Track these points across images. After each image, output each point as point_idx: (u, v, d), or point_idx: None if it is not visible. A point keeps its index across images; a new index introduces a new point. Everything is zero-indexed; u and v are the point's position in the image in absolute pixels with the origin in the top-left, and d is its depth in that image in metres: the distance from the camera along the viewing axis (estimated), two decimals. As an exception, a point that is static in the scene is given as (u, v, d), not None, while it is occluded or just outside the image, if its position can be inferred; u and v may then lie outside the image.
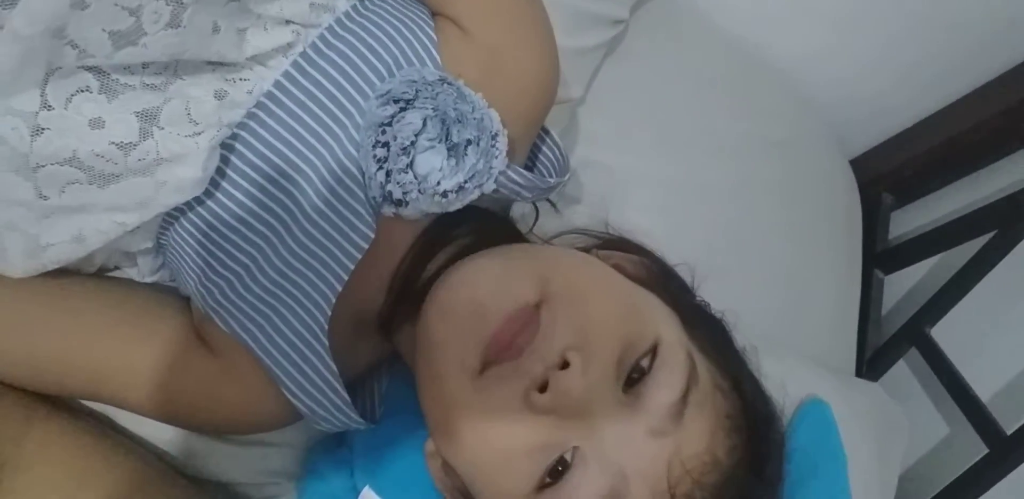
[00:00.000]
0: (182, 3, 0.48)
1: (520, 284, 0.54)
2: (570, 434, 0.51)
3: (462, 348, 0.53)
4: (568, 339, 0.52)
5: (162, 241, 0.58)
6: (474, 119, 0.52)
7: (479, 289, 0.55)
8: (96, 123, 0.50)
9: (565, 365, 0.50)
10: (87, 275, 0.59)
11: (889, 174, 1.16)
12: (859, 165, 1.14)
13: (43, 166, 0.49)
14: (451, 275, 0.56)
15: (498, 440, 0.52)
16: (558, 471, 0.51)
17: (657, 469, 0.51)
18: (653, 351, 0.53)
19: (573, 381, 0.50)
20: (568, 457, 0.51)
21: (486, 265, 0.57)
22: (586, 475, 0.51)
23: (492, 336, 0.52)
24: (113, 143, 0.50)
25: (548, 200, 0.72)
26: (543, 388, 0.50)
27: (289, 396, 0.55)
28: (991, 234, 0.95)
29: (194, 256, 0.56)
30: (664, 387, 0.52)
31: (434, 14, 0.60)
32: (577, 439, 0.51)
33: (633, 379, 0.53)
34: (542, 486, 0.52)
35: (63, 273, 0.57)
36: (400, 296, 0.59)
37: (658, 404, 0.52)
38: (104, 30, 0.47)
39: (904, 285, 1.12)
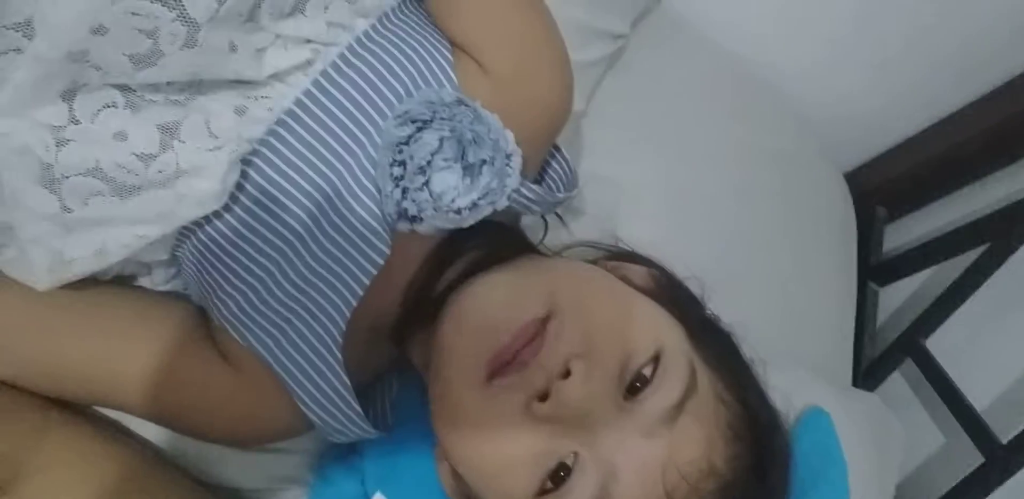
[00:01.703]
0: (196, 24, 0.49)
1: (530, 299, 0.55)
2: (570, 441, 0.52)
3: (471, 358, 0.54)
4: (573, 348, 0.53)
5: (177, 253, 0.59)
6: (490, 140, 0.53)
7: (492, 304, 0.56)
8: (120, 136, 0.51)
9: (567, 374, 0.51)
10: (104, 283, 0.60)
11: (883, 188, 1.17)
12: (853, 179, 1.15)
13: (67, 177, 0.50)
14: (466, 290, 0.57)
15: (499, 448, 0.53)
16: (560, 477, 0.52)
17: (650, 470, 0.52)
18: (655, 360, 0.54)
19: (574, 390, 0.51)
20: (569, 463, 0.52)
21: (499, 280, 0.58)
22: (584, 479, 0.52)
23: (499, 349, 0.53)
24: (135, 154, 0.51)
25: (556, 213, 0.73)
26: (545, 397, 0.51)
27: (304, 409, 0.56)
28: (984, 247, 0.96)
29: (210, 269, 0.57)
30: (660, 392, 0.53)
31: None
32: (577, 445, 0.52)
33: (635, 388, 0.54)
34: (544, 491, 0.53)
35: (82, 281, 0.58)
36: (414, 308, 0.60)
37: (653, 408, 0.53)
38: (124, 54, 0.48)
39: (899, 297, 1.13)
